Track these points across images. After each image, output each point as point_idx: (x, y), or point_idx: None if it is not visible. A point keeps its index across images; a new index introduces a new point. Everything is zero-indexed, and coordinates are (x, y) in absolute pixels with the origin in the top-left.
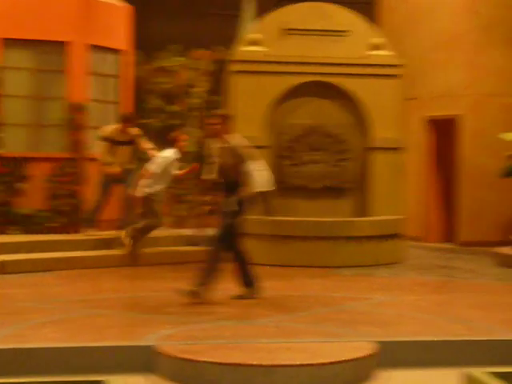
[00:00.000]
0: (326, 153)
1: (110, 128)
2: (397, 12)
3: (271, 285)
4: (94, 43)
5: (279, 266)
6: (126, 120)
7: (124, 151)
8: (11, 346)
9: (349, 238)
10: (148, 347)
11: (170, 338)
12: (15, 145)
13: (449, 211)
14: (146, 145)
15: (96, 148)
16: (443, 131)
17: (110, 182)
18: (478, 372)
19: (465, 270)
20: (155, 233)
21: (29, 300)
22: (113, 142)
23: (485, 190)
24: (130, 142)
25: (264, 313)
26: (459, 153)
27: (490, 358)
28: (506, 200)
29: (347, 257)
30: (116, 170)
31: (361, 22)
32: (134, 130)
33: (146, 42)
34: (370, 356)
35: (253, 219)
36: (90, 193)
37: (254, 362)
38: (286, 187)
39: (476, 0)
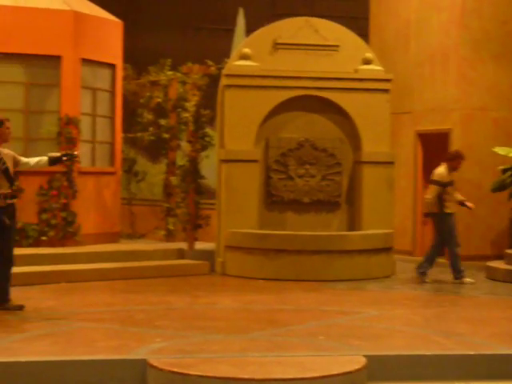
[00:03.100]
0: (316, 167)
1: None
2: (387, 27)
3: (264, 299)
4: (86, 57)
5: (272, 279)
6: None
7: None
8: (1, 359)
9: (341, 252)
10: (139, 361)
11: (161, 351)
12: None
13: None
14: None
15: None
16: (434, 145)
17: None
18: None
19: (455, 284)
20: (147, 246)
21: (17, 313)
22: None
23: (475, 204)
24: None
25: (255, 326)
26: None
27: (480, 373)
28: (497, 214)
29: (340, 271)
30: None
31: (351, 37)
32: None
33: (138, 56)
34: (361, 370)
35: (245, 233)
36: (80, 206)
37: (246, 376)
38: (276, 201)
39: (466, 14)
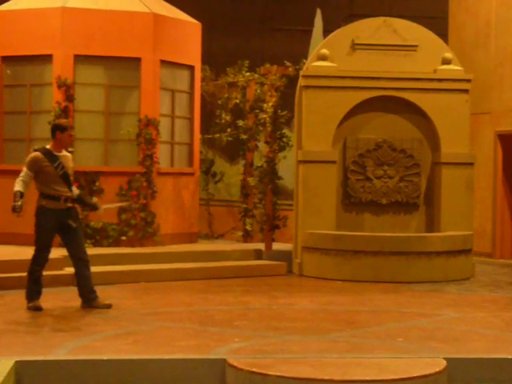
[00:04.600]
0: (394, 168)
1: None
2: (467, 27)
3: (342, 300)
4: (166, 59)
5: (349, 281)
6: None
7: None
8: (82, 357)
9: (420, 254)
10: (218, 360)
11: (240, 351)
12: (87, 159)
13: None
14: None
15: None
16: None
17: None
18: None
19: None
20: (225, 247)
21: (98, 312)
22: None
23: None
24: None
25: (334, 328)
26: None
27: None
28: None
29: (418, 272)
30: None
31: (430, 37)
32: None
33: (216, 58)
34: (441, 373)
35: (323, 234)
36: (159, 207)
37: (325, 377)
38: (353, 202)
39: None
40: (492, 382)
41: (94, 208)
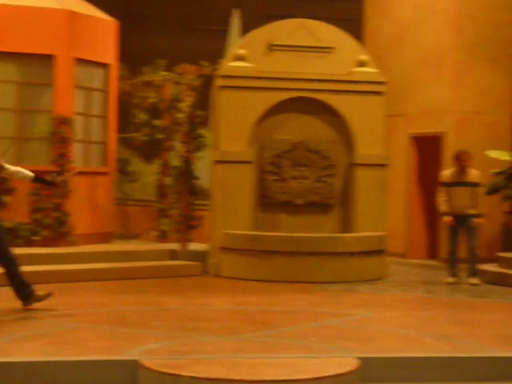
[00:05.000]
0: (310, 168)
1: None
2: (382, 30)
3: (257, 300)
4: (80, 57)
5: (265, 281)
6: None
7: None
8: None
9: (335, 254)
10: (131, 361)
11: (153, 352)
12: None
13: (432, 228)
14: None
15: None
16: (427, 148)
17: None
18: None
19: (447, 286)
20: (140, 247)
21: (9, 313)
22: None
23: None
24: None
25: (248, 328)
26: (442, 170)
27: (471, 375)
28: (490, 217)
29: (332, 272)
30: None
31: (346, 39)
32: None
33: (133, 56)
34: (353, 372)
35: (238, 234)
36: (73, 206)
37: (237, 377)
38: (270, 202)
39: (460, 18)
40: (404, 380)
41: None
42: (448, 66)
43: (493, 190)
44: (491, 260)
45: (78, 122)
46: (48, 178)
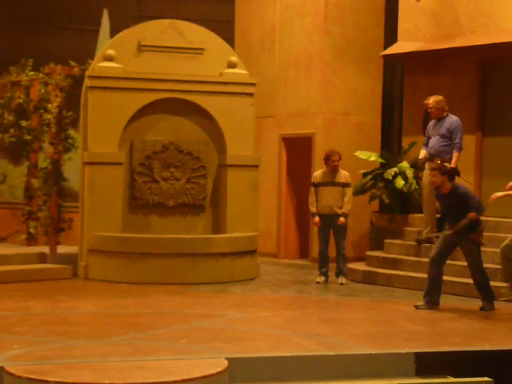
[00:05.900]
0: (181, 170)
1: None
2: (253, 31)
3: (127, 302)
4: None
5: (136, 283)
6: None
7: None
8: None
9: (206, 255)
10: None
11: (19, 358)
12: None
13: (302, 228)
14: None
15: None
16: (298, 149)
17: None
18: None
19: (317, 285)
20: (7, 250)
21: None
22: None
23: None
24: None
25: (117, 331)
26: (312, 170)
27: (340, 373)
28: (359, 217)
29: (204, 273)
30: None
31: (217, 40)
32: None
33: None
34: (223, 372)
35: (108, 236)
36: None
37: (106, 381)
38: (140, 204)
39: (328, 21)
40: (272, 379)
41: None
42: (317, 67)
43: (361, 191)
44: (360, 259)
45: None
46: None
